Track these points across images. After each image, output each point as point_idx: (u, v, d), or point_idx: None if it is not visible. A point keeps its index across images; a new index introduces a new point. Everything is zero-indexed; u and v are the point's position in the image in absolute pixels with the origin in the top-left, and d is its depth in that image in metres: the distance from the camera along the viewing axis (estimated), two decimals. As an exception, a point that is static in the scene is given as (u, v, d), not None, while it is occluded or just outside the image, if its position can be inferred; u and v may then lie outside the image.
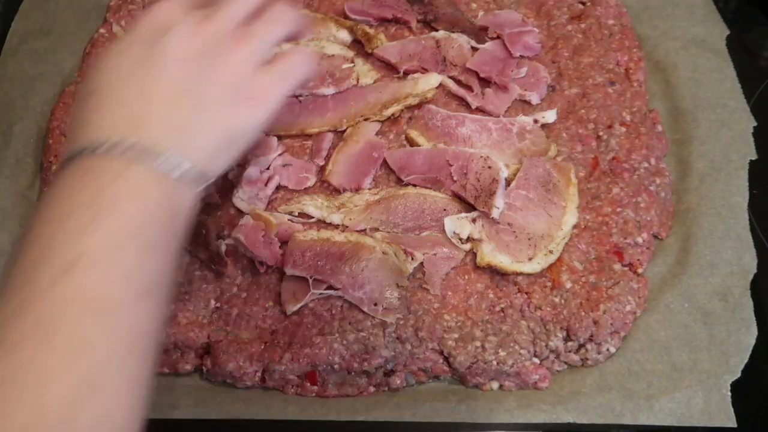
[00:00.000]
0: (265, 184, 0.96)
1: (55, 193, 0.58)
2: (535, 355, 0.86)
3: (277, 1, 0.73)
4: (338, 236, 0.90)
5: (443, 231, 0.91)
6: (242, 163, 0.97)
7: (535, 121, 1.01)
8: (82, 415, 0.48)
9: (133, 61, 0.64)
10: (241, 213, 0.95)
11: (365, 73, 1.06)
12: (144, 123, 0.61)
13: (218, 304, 0.90)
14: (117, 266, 0.54)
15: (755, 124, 1.03)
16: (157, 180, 0.60)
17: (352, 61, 1.07)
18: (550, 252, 0.90)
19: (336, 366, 0.84)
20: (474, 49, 1.09)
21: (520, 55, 1.08)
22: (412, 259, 0.89)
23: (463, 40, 1.08)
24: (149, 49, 0.64)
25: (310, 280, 0.87)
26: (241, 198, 0.95)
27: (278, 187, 0.98)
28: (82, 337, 0.50)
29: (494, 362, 0.84)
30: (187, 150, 0.63)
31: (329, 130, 1.02)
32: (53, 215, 0.56)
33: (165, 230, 0.61)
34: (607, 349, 0.86)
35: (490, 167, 0.93)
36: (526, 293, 0.89)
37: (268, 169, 0.98)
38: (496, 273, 0.90)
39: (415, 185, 0.96)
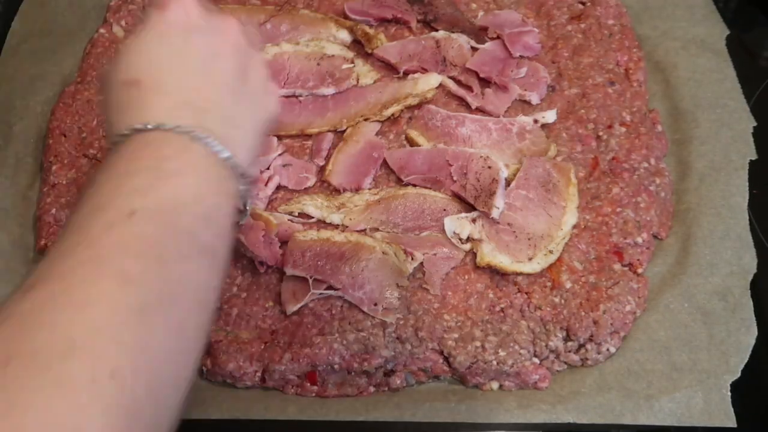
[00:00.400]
0: (266, 184, 0.96)
1: (116, 160, 0.58)
2: (535, 355, 0.86)
3: None
4: (338, 236, 0.90)
5: (443, 231, 0.91)
6: None
7: (535, 121, 1.01)
8: (120, 344, 0.46)
9: (172, 53, 0.64)
10: (241, 213, 0.95)
11: (365, 73, 1.06)
12: (198, 111, 0.62)
13: (218, 304, 0.90)
14: (173, 224, 0.55)
15: (755, 124, 1.03)
16: (216, 162, 0.61)
17: (352, 61, 1.07)
18: (550, 252, 0.90)
19: (336, 366, 0.84)
20: (474, 49, 1.09)
21: (520, 55, 1.08)
22: (412, 259, 0.89)
23: (463, 40, 1.08)
24: (185, 43, 0.64)
25: (310, 280, 0.87)
26: (242, 198, 0.95)
27: (278, 187, 0.98)
28: (134, 273, 0.50)
29: (494, 362, 0.84)
30: (235, 144, 0.64)
31: (329, 130, 1.02)
32: (114, 175, 0.56)
33: (221, 209, 0.60)
34: (607, 349, 0.86)
35: (490, 167, 0.93)
36: (526, 293, 0.89)
37: (268, 169, 0.98)
38: (496, 273, 0.90)
39: (415, 185, 0.96)
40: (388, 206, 0.93)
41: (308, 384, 0.85)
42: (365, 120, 1.02)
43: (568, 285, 0.89)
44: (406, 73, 1.07)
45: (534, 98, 1.04)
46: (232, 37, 0.68)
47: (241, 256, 0.92)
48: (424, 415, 0.83)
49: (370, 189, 0.97)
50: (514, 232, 0.90)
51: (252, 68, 0.69)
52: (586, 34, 1.11)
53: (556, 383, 0.85)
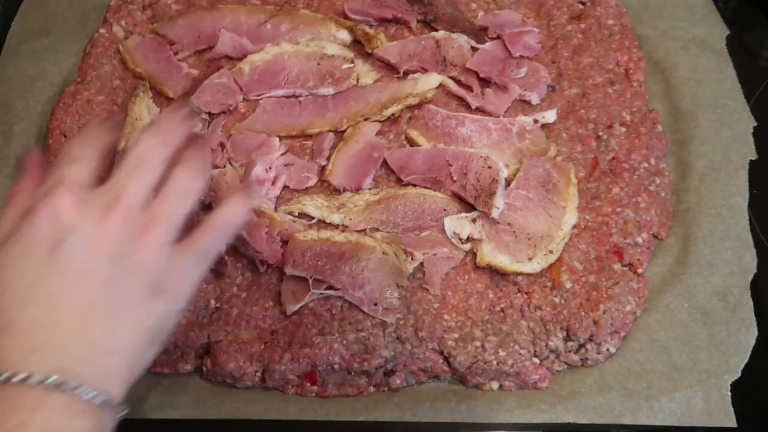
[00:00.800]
0: (273, 184, 0.96)
1: None
2: (535, 355, 0.86)
3: (177, 166, 0.66)
4: (338, 236, 0.90)
5: (443, 231, 0.91)
6: (249, 163, 0.97)
7: (535, 121, 1.01)
8: None
9: (33, 275, 0.57)
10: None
11: (365, 73, 1.06)
12: (56, 351, 0.55)
13: (218, 304, 0.90)
14: None
15: (755, 124, 1.03)
16: (78, 408, 0.55)
17: (352, 62, 1.07)
18: (550, 252, 0.90)
19: (336, 366, 0.84)
20: (474, 49, 1.09)
21: (520, 55, 1.08)
22: (412, 259, 0.89)
23: (463, 40, 1.08)
24: (49, 260, 0.58)
25: (310, 280, 0.87)
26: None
27: (278, 187, 0.98)
28: None
29: (494, 362, 0.84)
30: (102, 379, 0.57)
31: (330, 131, 1.02)
32: None
33: None
34: (607, 349, 0.86)
35: (490, 167, 0.93)
36: (526, 293, 0.89)
37: (271, 168, 0.98)
38: (496, 273, 0.90)
39: (415, 185, 0.96)
40: (388, 206, 0.93)
41: (308, 384, 0.85)
42: (365, 120, 1.02)
43: (568, 285, 0.89)
44: (406, 73, 1.07)
45: (534, 98, 1.04)
46: (107, 240, 0.59)
47: (241, 256, 0.92)
48: (424, 415, 0.83)
49: (370, 189, 0.97)
50: (514, 232, 0.90)
51: (128, 276, 0.60)
52: (586, 34, 1.11)
53: (556, 383, 0.85)
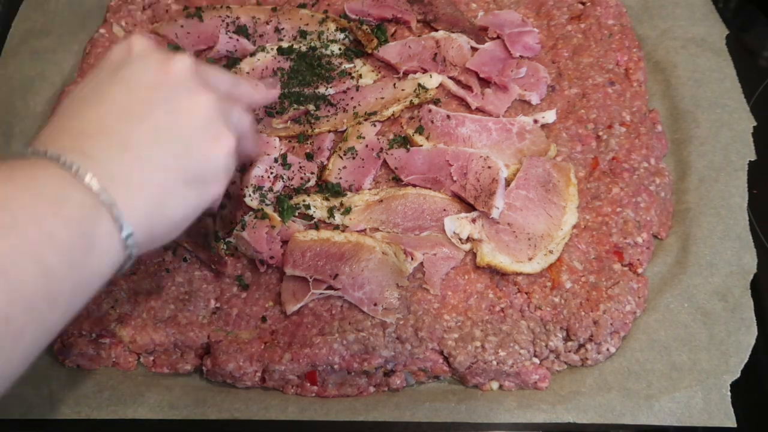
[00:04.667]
0: (273, 184, 0.96)
1: None
2: (535, 355, 0.86)
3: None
4: (338, 236, 0.90)
5: (443, 231, 0.91)
6: (250, 163, 0.97)
7: (535, 121, 1.01)
8: None
9: (98, 82, 0.66)
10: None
11: (365, 73, 1.06)
12: (81, 137, 0.61)
13: (218, 304, 0.90)
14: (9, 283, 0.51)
15: (755, 124, 1.03)
16: (80, 198, 0.57)
17: (352, 62, 1.07)
18: (550, 252, 0.90)
19: (336, 366, 0.84)
20: (474, 49, 1.09)
21: (520, 55, 1.08)
22: (412, 259, 0.89)
23: (463, 40, 1.08)
24: (110, 76, 0.66)
25: (310, 280, 0.87)
26: (252, 197, 0.95)
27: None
28: None
29: (494, 362, 0.84)
30: (122, 171, 0.59)
31: (330, 130, 1.02)
32: None
33: (71, 256, 0.56)
34: (607, 349, 0.86)
35: (490, 167, 0.93)
36: (526, 293, 0.89)
37: (271, 168, 0.98)
38: (496, 273, 0.90)
39: (415, 185, 0.96)
40: (388, 206, 0.93)
41: (308, 384, 0.85)
42: (365, 120, 1.02)
43: (568, 285, 0.89)
44: (406, 73, 1.07)
45: (534, 98, 1.04)
46: (171, 71, 0.66)
47: (240, 256, 0.92)
48: (424, 415, 0.83)
49: (370, 189, 0.97)
50: (514, 232, 0.90)
51: (189, 107, 0.65)
52: (586, 34, 1.11)
53: (556, 383, 0.85)
